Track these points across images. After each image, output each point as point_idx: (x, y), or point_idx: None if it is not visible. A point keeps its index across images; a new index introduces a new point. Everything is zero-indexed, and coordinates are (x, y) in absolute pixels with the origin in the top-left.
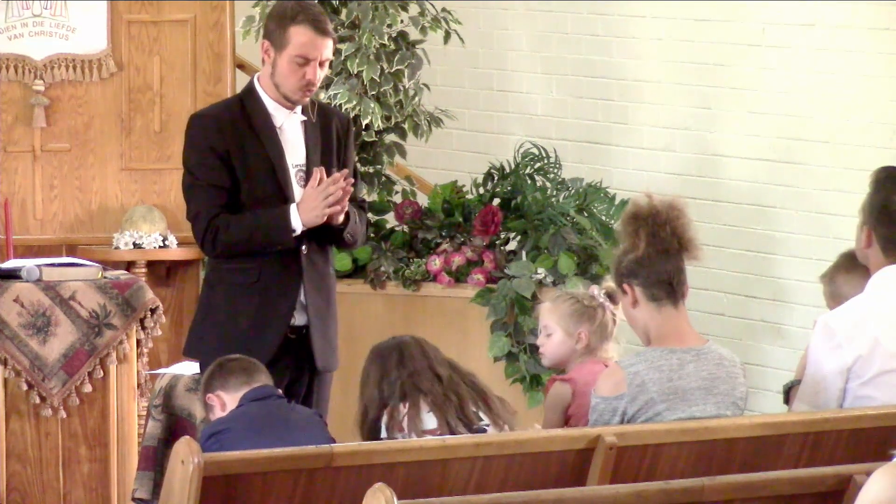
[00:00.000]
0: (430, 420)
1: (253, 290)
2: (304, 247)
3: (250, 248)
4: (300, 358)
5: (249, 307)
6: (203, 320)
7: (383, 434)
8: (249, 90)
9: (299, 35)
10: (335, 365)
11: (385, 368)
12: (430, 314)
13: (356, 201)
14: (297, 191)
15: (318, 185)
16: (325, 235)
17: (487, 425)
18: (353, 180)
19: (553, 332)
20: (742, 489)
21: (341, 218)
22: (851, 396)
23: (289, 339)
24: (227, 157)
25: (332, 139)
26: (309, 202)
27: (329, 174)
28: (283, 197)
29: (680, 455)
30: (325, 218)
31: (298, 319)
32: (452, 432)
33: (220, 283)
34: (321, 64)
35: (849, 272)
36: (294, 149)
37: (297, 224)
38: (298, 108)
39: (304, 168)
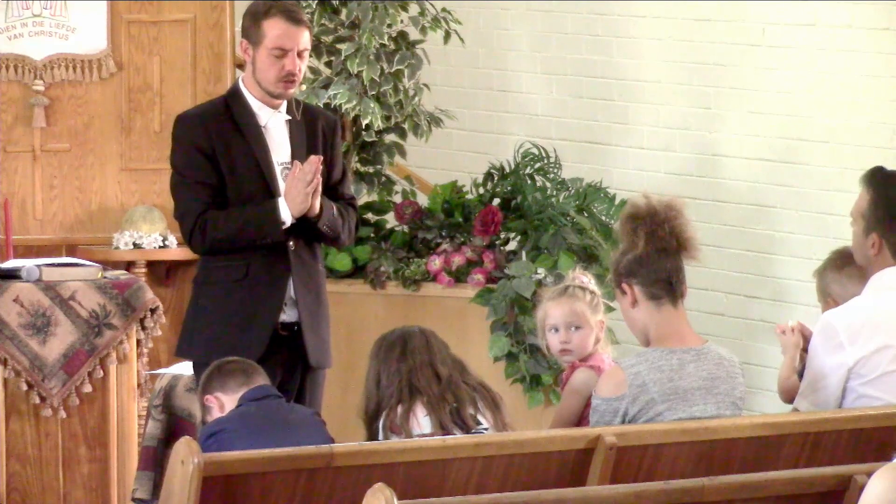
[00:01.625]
0: (427, 423)
1: (241, 287)
2: (290, 242)
3: (239, 243)
4: (292, 355)
5: (238, 303)
6: (193, 319)
7: (381, 436)
8: (234, 90)
9: (273, 27)
10: (328, 362)
11: (387, 360)
12: (430, 314)
13: (345, 198)
14: (283, 189)
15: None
16: (311, 231)
17: (486, 429)
18: (320, 166)
19: (582, 325)
20: (742, 489)
21: (317, 206)
22: (854, 395)
23: (280, 336)
24: (213, 155)
25: (318, 138)
26: (292, 192)
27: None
28: (270, 195)
29: (680, 455)
30: (310, 203)
31: (289, 315)
32: (446, 434)
33: (208, 281)
34: (299, 54)
35: (839, 270)
36: (279, 147)
37: (287, 216)
38: (283, 108)
39: (289, 166)
